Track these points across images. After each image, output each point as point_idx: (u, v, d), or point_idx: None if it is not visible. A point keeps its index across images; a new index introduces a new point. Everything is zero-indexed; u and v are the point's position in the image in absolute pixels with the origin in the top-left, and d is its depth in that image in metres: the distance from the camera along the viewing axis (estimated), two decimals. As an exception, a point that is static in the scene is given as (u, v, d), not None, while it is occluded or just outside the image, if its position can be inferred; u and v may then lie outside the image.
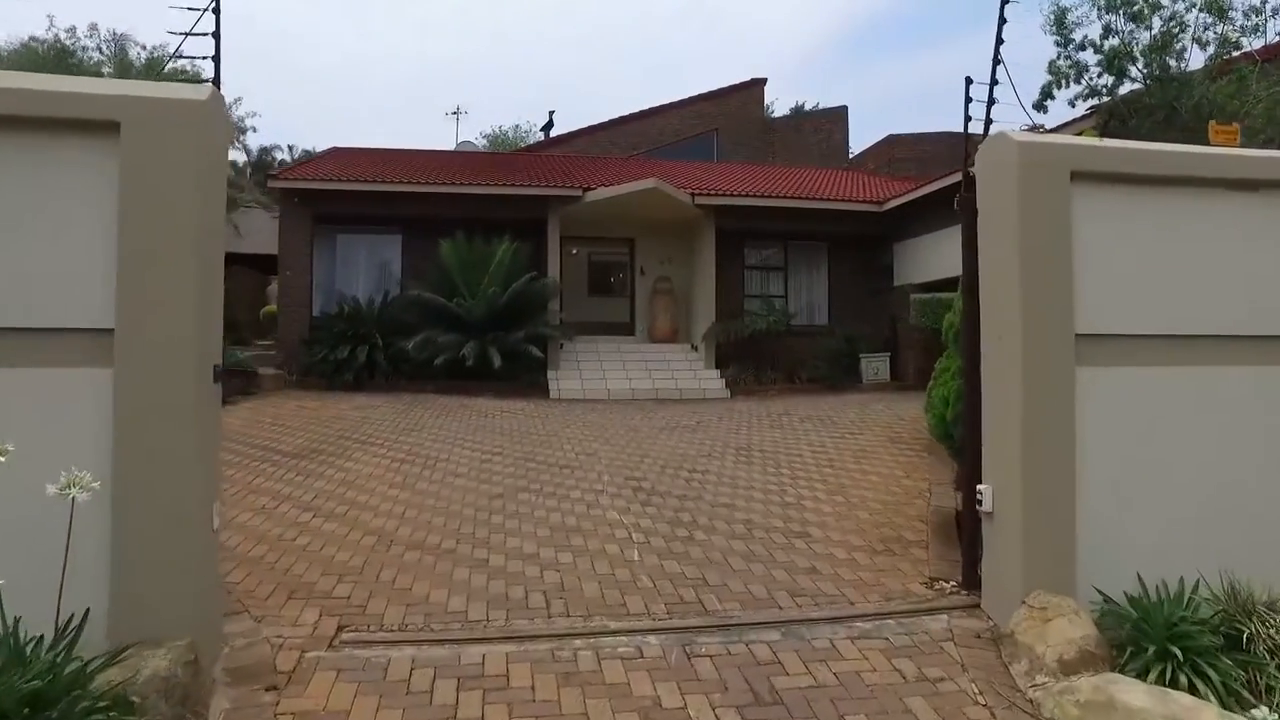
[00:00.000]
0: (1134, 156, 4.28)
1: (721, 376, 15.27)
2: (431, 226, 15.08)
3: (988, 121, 5.44)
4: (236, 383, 12.36)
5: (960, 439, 5.20)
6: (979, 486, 4.35)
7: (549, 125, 24.21)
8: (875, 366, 16.14)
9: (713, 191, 15.45)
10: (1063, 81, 9.91)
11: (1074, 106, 10.22)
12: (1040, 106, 11.04)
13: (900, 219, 16.14)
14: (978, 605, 4.40)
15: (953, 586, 4.72)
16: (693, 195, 15.14)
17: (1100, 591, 4.00)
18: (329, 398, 12.71)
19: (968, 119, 4.91)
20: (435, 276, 14.88)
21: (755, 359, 16.31)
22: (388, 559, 4.99)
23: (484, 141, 38.09)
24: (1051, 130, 10.89)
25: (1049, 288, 4.06)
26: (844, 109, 23.52)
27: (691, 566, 4.95)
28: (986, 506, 4.29)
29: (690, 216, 16.04)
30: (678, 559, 5.08)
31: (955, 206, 4.76)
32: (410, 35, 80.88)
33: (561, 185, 14.91)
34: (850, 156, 23.11)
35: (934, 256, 15.11)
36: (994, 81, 4.90)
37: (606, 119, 23.04)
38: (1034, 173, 4.07)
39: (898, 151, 19.94)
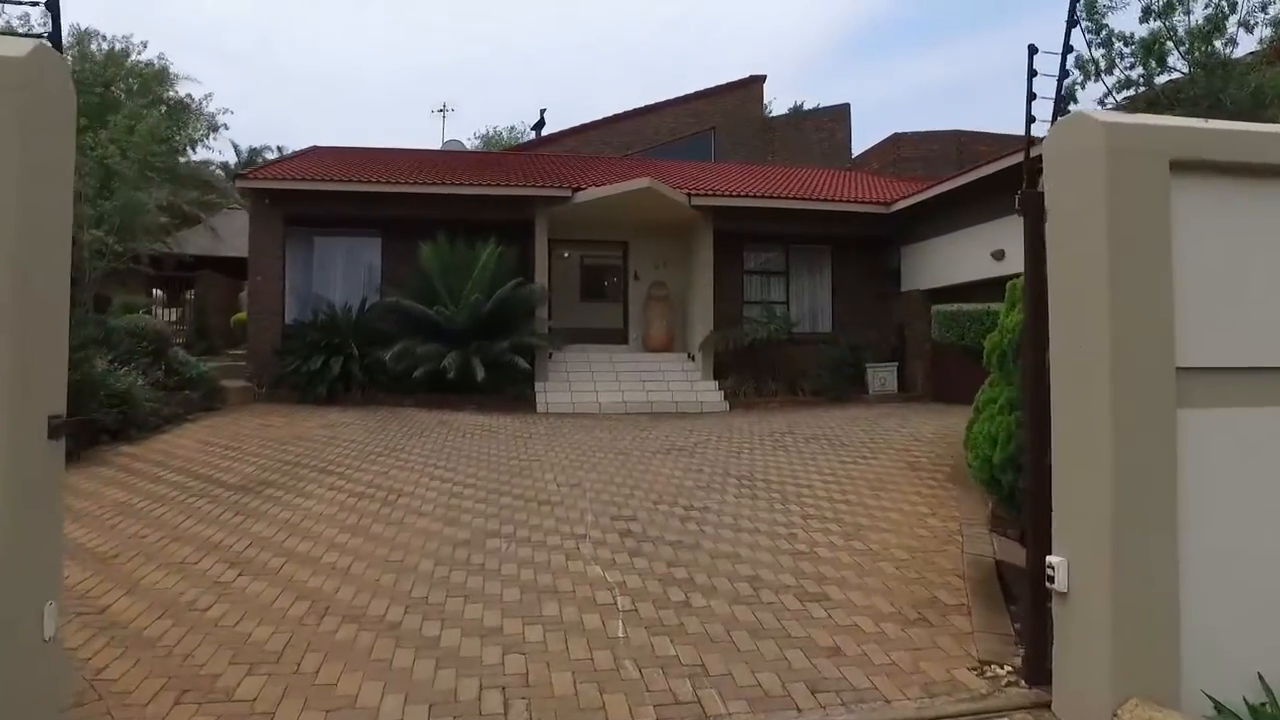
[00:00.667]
0: (1256, 141, 3.38)
1: (720, 388, 14.39)
2: (412, 229, 14.20)
3: (1029, 112, 4.46)
4: (197, 399, 11.47)
5: (1016, 488, 4.30)
6: (1050, 559, 3.45)
7: (540, 124, 23.34)
8: (882, 377, 15.27)
9: (710, 192, 14.57)
10: (1092, 73, 9.04)
11: (1103, 104, 9.31)
12: (1064, 106, 10.13)
13: (909, 221, 15.27)
14: (1048, 707, 3.50)
15: (1009, 674, 3.82)
16: (689, 195, 14.27)
17: (1213, 699, 3.12)
18: (298, 413, 11.81)
19: (1031, 97, 3.96)
20: (416, 282, 13.99)
21: (755, 369, 15.43)
22: (317, 637, 4.08)
23: (477, 142, 37.21)
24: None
25: (1145, 309, 3.18)
26: (846, 107, 22.67)
27: (688, 647, 4.05)
28: (1060, 585, 3.39)
29: (687, 218, 15.16)
30: (671, 634, 4.18)
31: (1016, 206, 3.90)
32: (405, 37, 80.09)
33: (549, 185, 14.03)
34: (853, 157, 22.25)
35: (946, 260, 14.24)
36: (1067, 48, 3.96)
37: (600, 117, 22.16)
38: (1125, 161, 3.18)
39: (903, 150, 19.08)
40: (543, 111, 23.41)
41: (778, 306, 16.16)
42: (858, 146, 22.56)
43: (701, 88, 22.75)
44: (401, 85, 76.41)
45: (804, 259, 16.76)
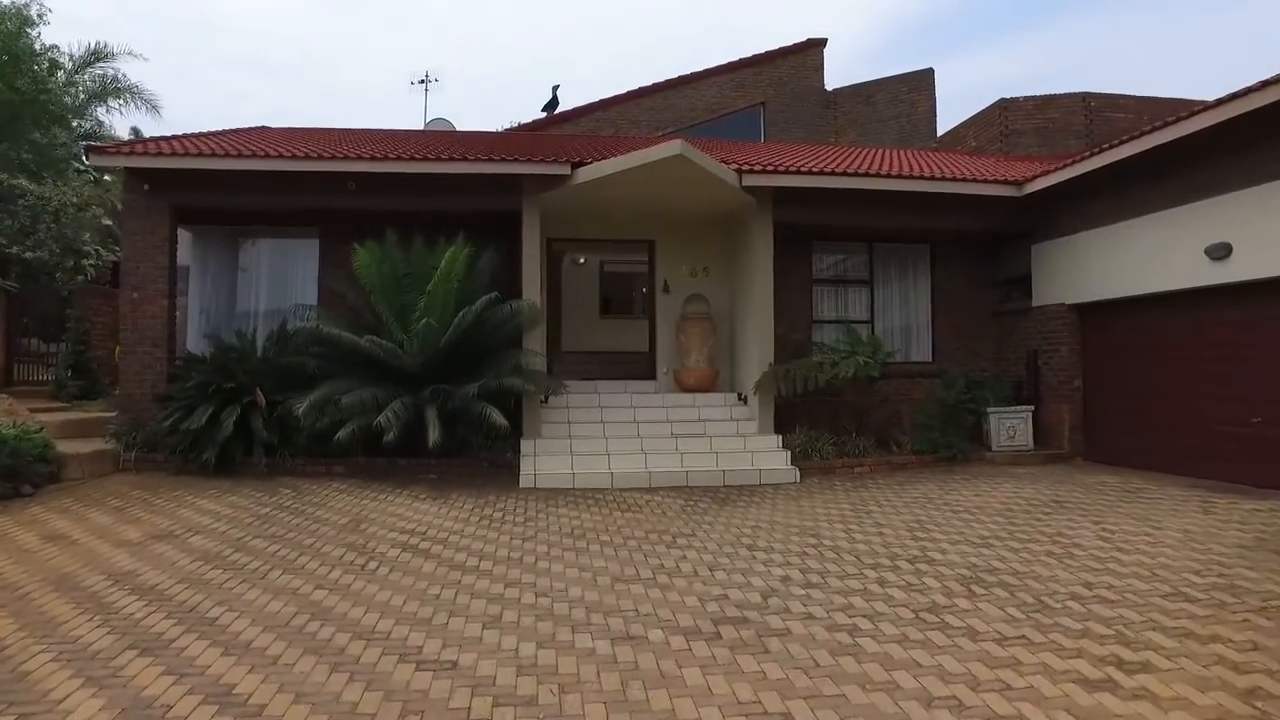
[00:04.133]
0: None
1: (784, 445, 10.13)
2: (360, 226, 10.21)
3: None
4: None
5: None
6: None
7: (553, 103, 19.35)
8: (1010, 427, 10.87)
9: (768, 167, 10.34)
10: None
11: None
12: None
13: (1047, 208, 10.90)
14: None
15: None
16: (739, 172, 10.06)
17: None
18: (158, 496, 7.85)
19: None
20: (355, 298, 9.99)
21: (831, 414, 11.16)
22: None
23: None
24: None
25: None
26: (929, 73, 18.26)
27: None
28: None
29: (734, 206, 10.96)
30: None
31: None
32: (428, 28, 76.72)
33: (540, 159, 9.90)
34: (938, 136, 17.87)
35: (1119, 261, 9.84)
36: None
37: (623, 91, 18.06)
38: None
39: (1012, 121, 14.69)
40: (555, 89, 19.36)
41: (859, 326, 11.85)
42: (943, 124, 18.16)
43: (749, 54, 18.53)
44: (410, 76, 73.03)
45: (894, 262, 12.45)
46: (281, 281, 11.28)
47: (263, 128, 14.71)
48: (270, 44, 72.31)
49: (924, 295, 12.47)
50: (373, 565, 5.74)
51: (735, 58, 18.62)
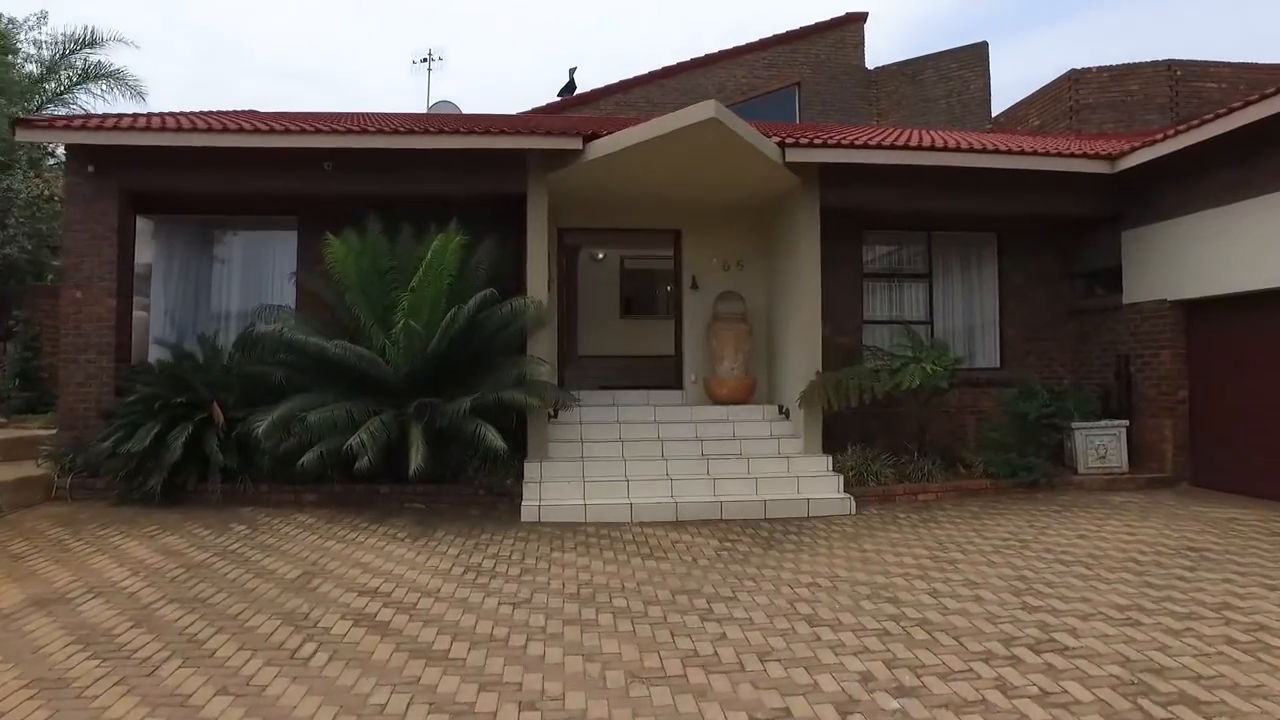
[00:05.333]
0: None
1: (834, 467, 8.59)
2: (343, 216, 8.78)
3: None
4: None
5: None
6: None
7: (569, 86, 17.90)
8: (1100, 446, 9.23)
9: (815, 141, 8.79)
10: None
11: None
12: None
13: (1146, 186, 9.26)
14: None
15: None
16: (782, 146, 8.52)
17: None
18: (80, 537, 6.50)
19: None
20: (332, 296, 8.60)
21: (885, 429, 9.60)
22: None
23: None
24: None
25: None
26: (982, 47, 16.56)
27: None
28: None
29: (775, 188, 9.43)
30: None
31: None
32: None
33: (546, 132, 8.43)
34: (993, 117, 16.19)
35: (1239, 248, 8.16)
36: None
37: (646, 71, 16.57)
38: None
39: (1084, 95, 12.99)
40: (572, 71, 17.92)
41: (917, 326, 10.25)
42: (999, 105, 16.46)
43: (783, 30, 16.96)
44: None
45: (955, 254, 10.85)
46: (256, 278, 9.91)
47: (251, 111, 13.39)
48: (264, 39, 71.54)
49: (990, 291, 10.84)
50: (308, 650, 4.29)
51: (768, 34, 17.06)
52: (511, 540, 6.81)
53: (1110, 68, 12.87)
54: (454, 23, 75.85)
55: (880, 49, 53.39)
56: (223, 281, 10.08)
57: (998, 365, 10.64)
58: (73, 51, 16.34)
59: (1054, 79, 13.71)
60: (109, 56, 15.54)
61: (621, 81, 16.43)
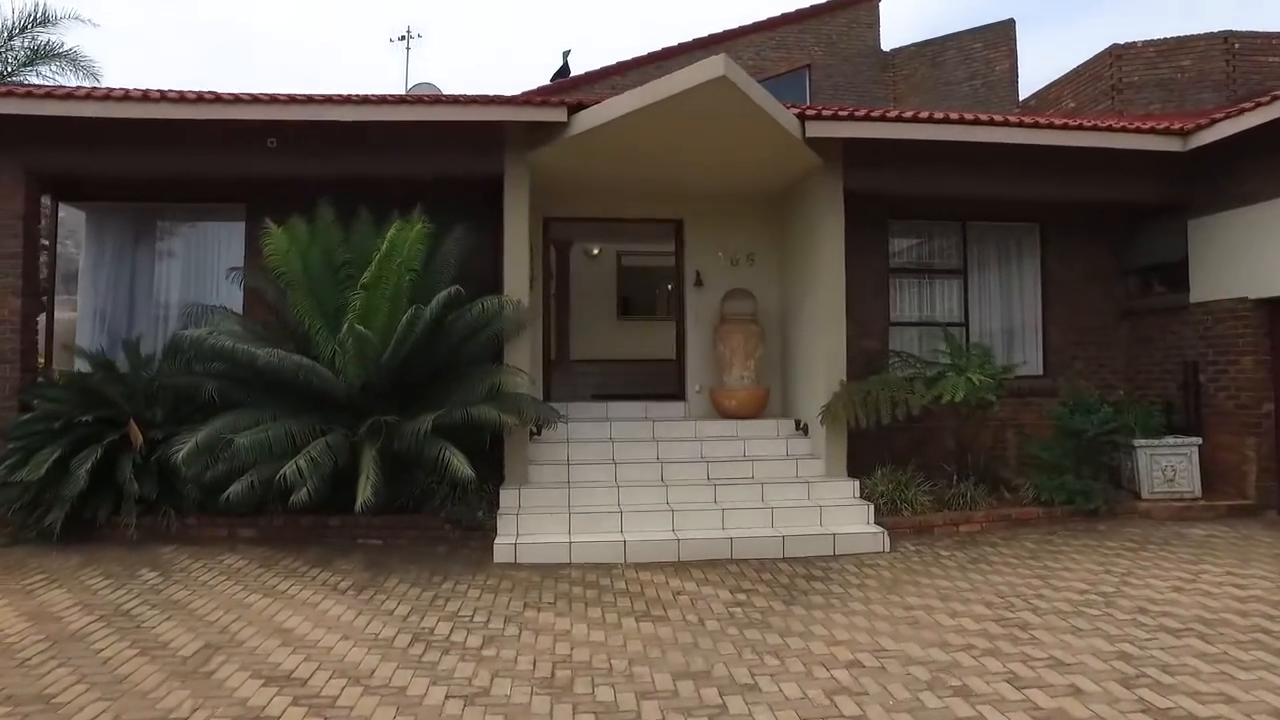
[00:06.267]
0: None
1: (863, 496, 7.38)
2: (298, 200, 7.52)
3: None
4: None
5: None
6: None
7: (563, 70, 16.69)
8: (1168, 467, 8.00)
9: (840, 113, 7.55)
10: None
11: None
12: None
13: (1220, 167, 8.04)
14: None
15: None
16: (802, 119, 7.29)
17: None
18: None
19: None
20: (276, 295, 7.39)
21: (914, 446, 8.40)
22: None
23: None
24: None
25: None
26: (1009, 25, 15.32)
27: None
28: None
29: (792, 170, 8.22)
30: None
31: None
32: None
33: (524, 102, 7.19)
34: (1021, 101, 14.94)
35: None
36: None
37: (645, 54, 15.34)
38: None
39: (1128, 73, 11.77)
40: (566, 54, 16.74)
41: (952, 328, 9.04)
42: (1027, 88, 15.22)
43: (792, 9, 15.73)
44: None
45: (992, 246, 9.64)
46: (200, 275, 8.70)
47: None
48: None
49: (1030, 289, 9.62)
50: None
51: (776, 13, 15.83)
52: (479, 590, 5.59)
53: (1157, 42, 11.64)
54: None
55: (898, 29, 50.88)
56: (163, 279, 8.86)
57: (1040, 373, 9.42)
58: (22, 30, 15.12)
59: (1091, 57, 12.47)
60: (63, 36, 14.26)
61: (619, 63, 15.21)
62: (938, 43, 15.67)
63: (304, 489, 5.90)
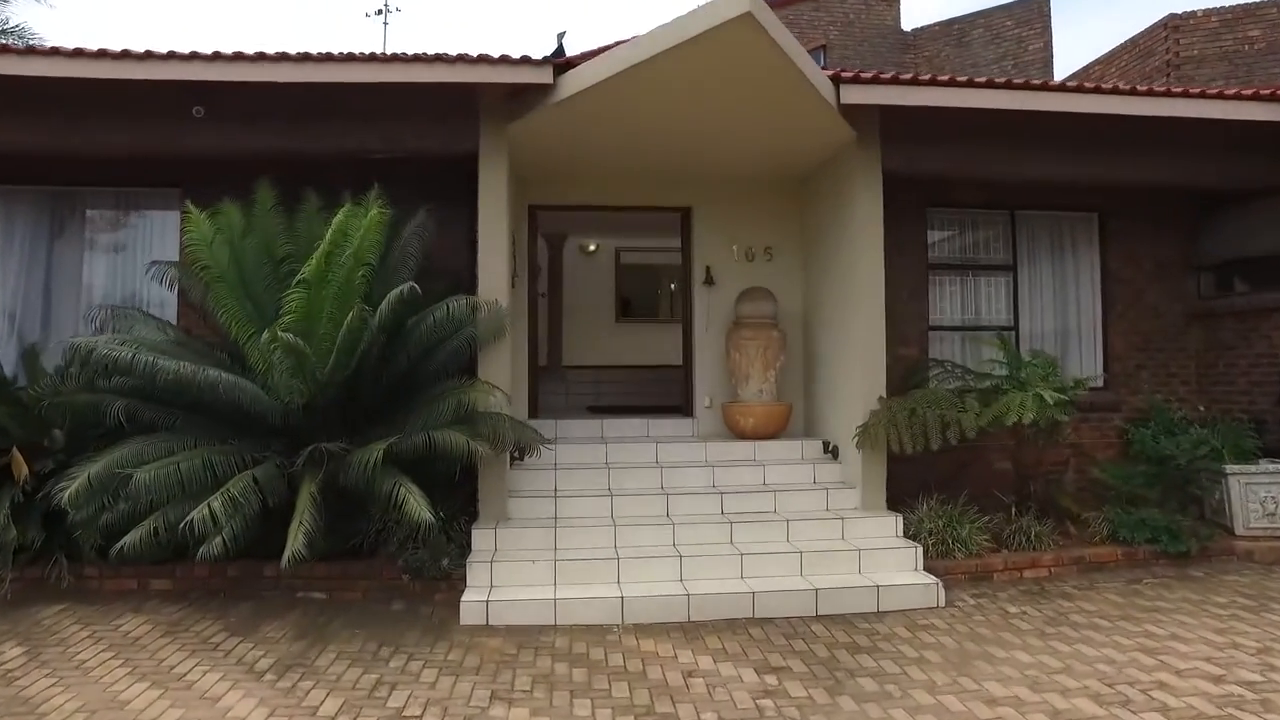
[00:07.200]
0: None
1: (907, 534, 6.16)
2: (242, 183, 6.28)
3: None
4: None
5: None
6: None
7: (558, 52, 15.48)
8: (1269, 498, 6.77)
9: (881, 77, 6.32)
10: None
11: None
12: None
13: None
14: None
15: None
16: (836, 81, 6.07)
17: None
18: None
19: None
20: (200, 293, 6.18)
21: (956, 469, 7.20)
22: None
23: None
24: None
25: None
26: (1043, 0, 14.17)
27: None
28: None
29: (821, 146, 7.00)
30: None
31: None
32: None
33: (502, 60, 5.97)
34: (1057, 79, 13.75)
35: None
36: None
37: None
38: None
39: (1185, 45, 10.57)
40: (561, 36, 15.44)
41: (1002, 331, 7.84)
42: (1063, 68, 14.00)
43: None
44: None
45: (1044, 239, 8.40)
46: (134, 272, 7.47)
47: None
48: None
49: (1087, 288, 8.39)
50: None
51: (787, -10, 14.60)
52: (435, 670, 4.38)
53: (1220, 10, 10.44)
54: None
55: (919, 7, 49.20)
56: (95, 277, 7.64)
57: (1101, 385, 8.19)
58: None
59: (1142, 30, 11.27)
60: (10, 12, 13.10)
61: (617, 43, 13.95)
62: (964, 20, 14.46)
63: (218, 538, 4.68)
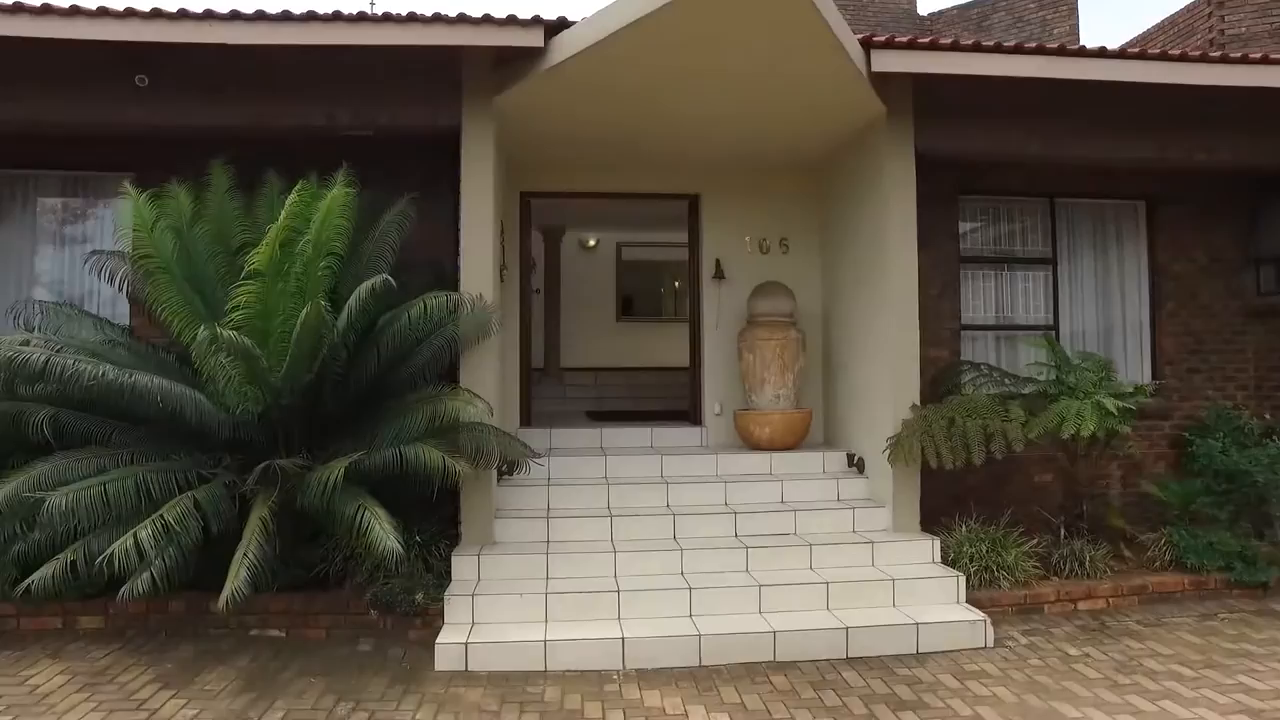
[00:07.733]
0: None
1: (945, 559, 5.44)
2: (201, 163, 5.57)
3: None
4: None
5: None
6: None
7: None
8: (1349, 516, 6.01)
9: (920, 41, 5.59)
10: None
11: None
12: None
13: None
14: None
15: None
16: (866, 45, 5.33)
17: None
18: None
19: None
20: (139, 285, 5.46)
21: (1001, 487, 6.48)
22: None
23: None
24: None
25: None
26: (1070, -19, 13.48)
27: None
28: None
29: (846, 122, 6.26)
30: None
31: None
32: None
33: (486, 20, 5.24)
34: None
35: None
36: None
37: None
38: None
39: (1231, 23, 9.83)
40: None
41: (1042, 329, 7.12)
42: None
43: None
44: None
45: (1085, 230, 7.66)
46: (78, 261, 6.76)
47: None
48: None
49: (1134, 282, 7.65)
50: None
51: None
52: (402, 737, 3.66)
53: (1269, -17, 9.67)
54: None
55: None
56: (37, 268, 6.93)
57: (1150, 388, 7.44)
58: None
59: (1181, 8, 10.51)
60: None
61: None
62: (984, 4, 13.70)
63: (146, 573, 3.97)
